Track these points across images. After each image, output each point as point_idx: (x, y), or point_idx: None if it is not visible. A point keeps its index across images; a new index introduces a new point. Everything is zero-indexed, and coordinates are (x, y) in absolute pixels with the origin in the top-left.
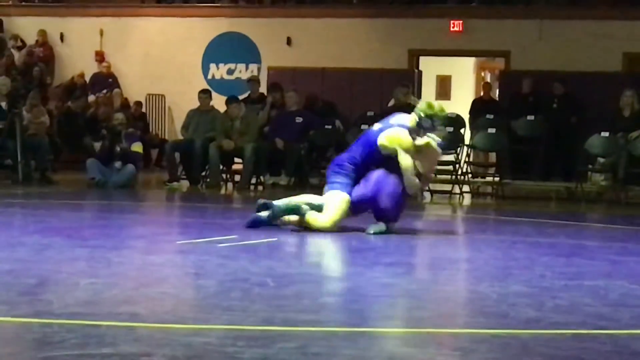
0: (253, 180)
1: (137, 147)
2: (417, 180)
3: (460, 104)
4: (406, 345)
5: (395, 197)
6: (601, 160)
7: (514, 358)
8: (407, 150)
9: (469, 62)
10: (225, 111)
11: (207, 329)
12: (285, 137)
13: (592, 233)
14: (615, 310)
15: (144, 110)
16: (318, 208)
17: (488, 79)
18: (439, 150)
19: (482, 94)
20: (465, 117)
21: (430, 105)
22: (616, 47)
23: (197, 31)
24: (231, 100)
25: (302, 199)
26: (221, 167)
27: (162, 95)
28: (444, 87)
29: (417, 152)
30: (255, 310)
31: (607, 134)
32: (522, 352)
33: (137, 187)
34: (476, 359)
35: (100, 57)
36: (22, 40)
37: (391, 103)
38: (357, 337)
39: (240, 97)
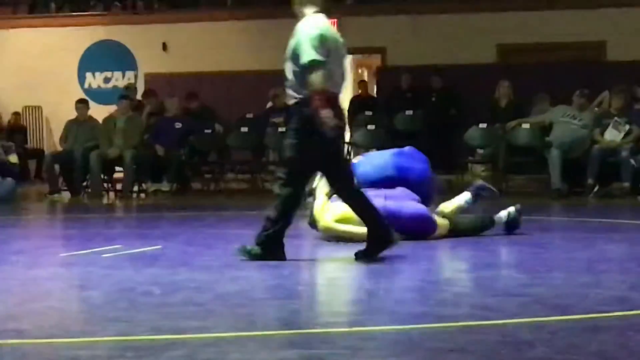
0: (135, 188)
1: (12, 158)
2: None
3: None
4: (295, 346)
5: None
6: (480, 151)
7: (402, 354)
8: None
9: (346, 60)
10: (108, 117)
11: (94, 341)
12: (166, 143)
13: None
14: (500, 300)
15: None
16: None
17: (365, 76)
18: None
19: (359, 92)
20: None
21: None
22: (489, 39)
23: (72, 40)
24: (121, 100)
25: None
26: (102, 176)
27: (39, 107)
28: None
29: None
30: (142, 319)
31: (485, 125)
32: (410, 347)
33: (17, 200)
34: (366, 357)
35: None
36: None
37: (269, 105)
38: (245, 342)
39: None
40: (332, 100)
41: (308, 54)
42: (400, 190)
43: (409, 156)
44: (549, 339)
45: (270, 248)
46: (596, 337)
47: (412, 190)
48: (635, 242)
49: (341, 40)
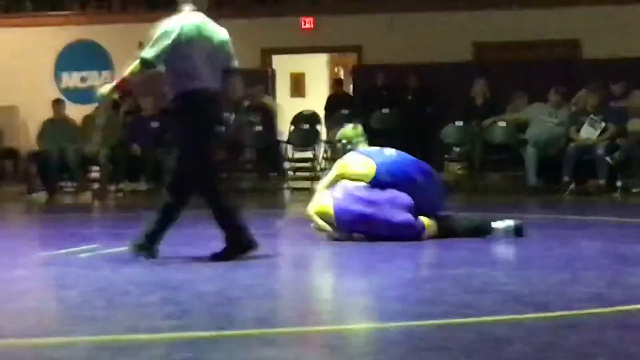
0: (112, 188)
1: None
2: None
3: (315, 100)
4: (273, 346)
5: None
6: (457, 149)
7: (381, 352)
8: None
9: (323, 59)
10: (89, 115)
11: (71, 341)
12: (142, 143)
13: None
14: (477, 297)
15: None
16: None
17: (342, 75)
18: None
19: (335, 90)
20: (321, 113)
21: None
22: (465, 37)
23: (47, 41)
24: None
25: None
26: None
27: (15, 107)
28: (298, 85)
29: None
30: (119, 319)
31: (461, 123)
32: (388, 345)
33: None
34: (344, 355)
35: None
36: None
37: (246, 103)
38: (223, 341)
39: (96, 105)
40: (202, 98)
41: (144, 50)
42: (388, 195)
43: (427, 174)
44: (527, 336)
45: (234, 245)
46: (573, 334)
47: (420, 200)
48: (611, 239)
49: (219, 37)
